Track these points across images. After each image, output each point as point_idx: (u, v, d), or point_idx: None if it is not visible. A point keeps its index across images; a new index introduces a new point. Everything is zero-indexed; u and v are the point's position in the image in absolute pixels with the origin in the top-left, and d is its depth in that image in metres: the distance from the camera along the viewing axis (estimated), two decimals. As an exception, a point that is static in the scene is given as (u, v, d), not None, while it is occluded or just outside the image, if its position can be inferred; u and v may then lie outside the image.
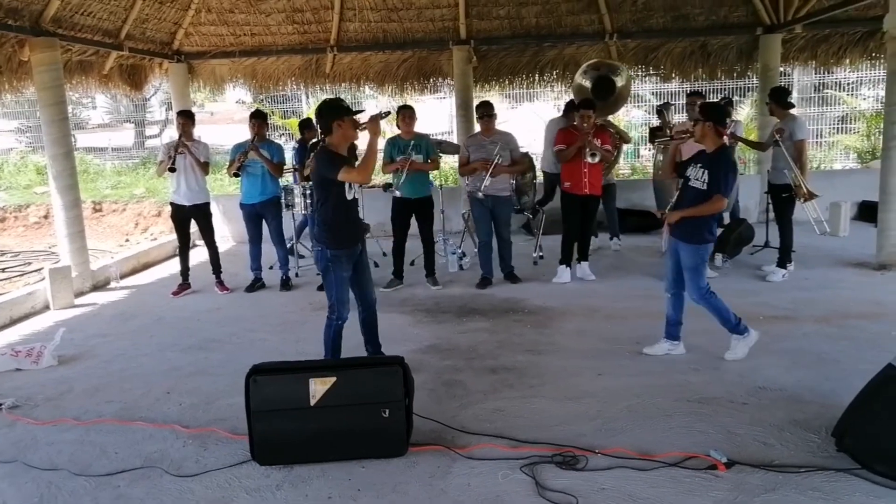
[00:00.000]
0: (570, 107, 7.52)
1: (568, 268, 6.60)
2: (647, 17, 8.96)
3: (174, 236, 7.12)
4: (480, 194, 6.26)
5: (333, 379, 3.20)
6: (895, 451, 2.85)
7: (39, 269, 8.50)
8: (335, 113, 4.04)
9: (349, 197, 4.11)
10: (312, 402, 3.18)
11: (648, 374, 4.20)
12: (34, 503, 3.03)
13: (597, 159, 6.23)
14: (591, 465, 3.12)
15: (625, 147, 8.80)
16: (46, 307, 6.40)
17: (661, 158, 7.48)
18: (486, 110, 6.34)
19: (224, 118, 21.43)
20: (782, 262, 6.40)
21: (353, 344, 4.39)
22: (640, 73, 9.80)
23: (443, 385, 4.17)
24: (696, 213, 4.27)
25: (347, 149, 4.28)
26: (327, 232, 4.06)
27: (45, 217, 11.14)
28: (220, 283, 6.78)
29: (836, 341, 4.67)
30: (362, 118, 4.33)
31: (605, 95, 7.20)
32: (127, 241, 10.42)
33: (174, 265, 8.02)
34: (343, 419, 3.20)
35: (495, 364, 4.50)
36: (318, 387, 3.19)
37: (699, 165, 4.31)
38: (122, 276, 7.50)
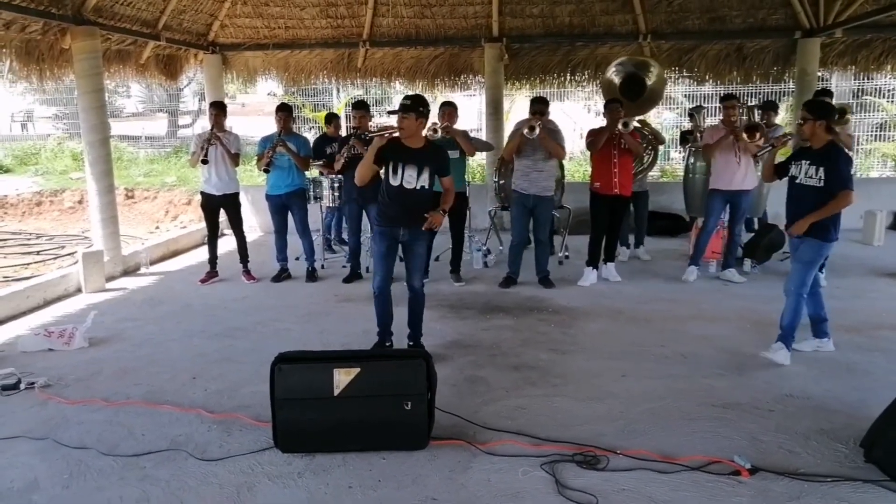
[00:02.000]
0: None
1: (594, 269, 6.55)
2: (683, 18, 8.84)
3: (203, 225, 7.24)
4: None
5: (357, 370, 3.22)
6: (925, 465, 2.80)
7: (73, 253, 8.69)
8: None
9: (393, 183, 4.35)
10: (336, 392, 3.21)
11: (672, 378, 4.16)
12: (64, 479, 3.10)
13: (630, 128, 6.13)
14: (612, 465, 3.11)
15: (661, 148, 8.66)
16: (79, 290, 6.53)
17: (693, 161, 7.40)
18: (541, 107, 6.12)
19: (255, 110, 21.68)
20: None
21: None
22: (673, 75, 9.67)
23: (465, 381, 4.17)
24: (826, 214, 4.21)
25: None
26: (377, 206, 4.59)
27: (80, 202, 11.39)
28: (248, 273, 6.86)
29: (867, 352, 4.59)
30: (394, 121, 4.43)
31: (635, 95, 7.13)
32: (157, 228, 10.61)
33: (202, 253, 8.15)
34: (365, 410, 3.22)
35: (518, 362, 4.49)
36: (342, 377, 3.21)
37: (808, 163, 4.27)
38: (152, 263, 7.63)
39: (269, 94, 15.86)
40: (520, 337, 5.01)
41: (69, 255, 8.73)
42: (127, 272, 7.27)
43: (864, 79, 11.06)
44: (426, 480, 3.03)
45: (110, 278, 6.90)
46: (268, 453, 3.28)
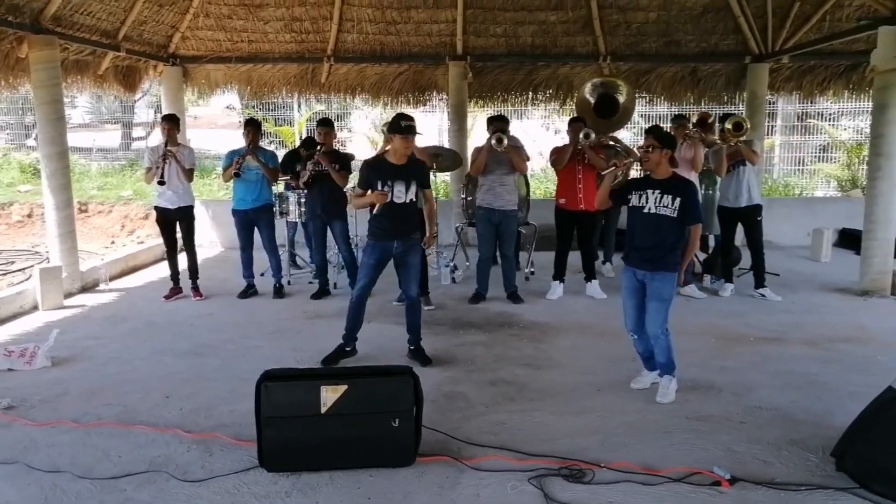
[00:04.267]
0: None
1: (561, 283, 6.68)
2: (641, 41, 9.16)
3: (160, 240, 7.08)
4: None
5: (345, 387, 3.21)
6: (892, 472, 2.95)
7: (23, 269, 8.37)
8: (398, 128, 4.55)
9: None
10: (323, 409, 3.19)
11: (646, 392, 4.27)
12: (39, 504, 3.00)
13: (591, 138, 6.28)
14: (598, 478, 3.17)
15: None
16: (35, 307, 6.30)
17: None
18: (501, 124, 6.28)
19: (207, 122, 21.32)
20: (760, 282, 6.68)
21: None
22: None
23: (443, 397, 4.20)
24: (693, 251, 4.32)
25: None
26: (369, 221, 4.78)
27: (29, 216, 10.97)
28: (196, 289, 6.71)
29: (824, 364, 4.80)
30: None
31: (608, 114, 7.35)
32: (113, 242, 10.31)
33: (162, 269, 7.96)
34: (353, 427, 3.21)
35: (494, 377, 4.54)
36: (330, 394, 3.20)
37: (658, 192, 4.09)
38: (111, 279, 7.42)
39: (227, 107, 15.63)
40: (493, 353, 5.06)
41: (19, 270, 8.40)
42: (85, 289, 7.05)
43: (808, 103, 11.61)
44: (416, 497, 3.04)
45: (68, 295, 6.68)
46: (253, 473, 3.23)
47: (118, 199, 11.33)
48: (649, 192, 4.10)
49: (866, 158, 11.91)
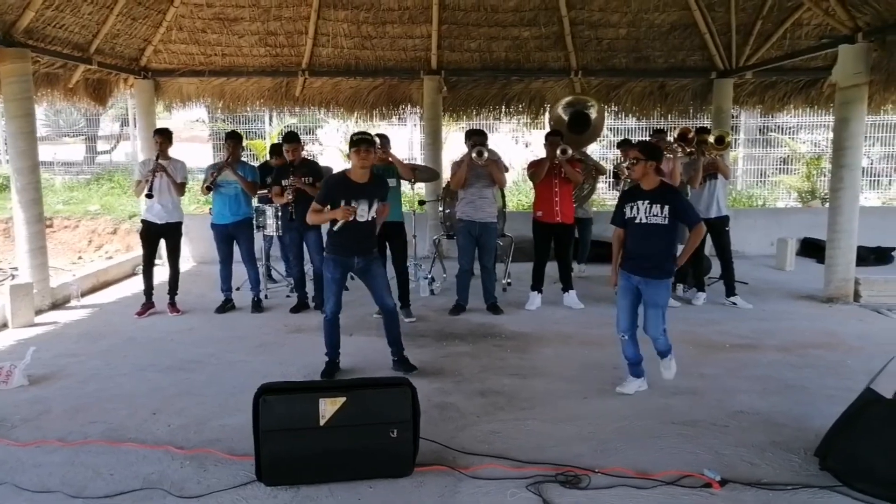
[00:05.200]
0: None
1: (539, 294, 6.79)
2: (611, 56, 9.38)
3: (131, 255, 6.99)
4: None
5: (343, 399, 3.23)
6: (873, 470, 3.08)
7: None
8: (351, 143, 4.62)
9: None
10: (322, 422, 3.20)
11: (632, 398, 4.37)
12: (32, 526, 2.94)
13: (568, 154, 6.41)
14: (594, 483, 3.24)
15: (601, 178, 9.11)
16: (4, 325, 6.14)
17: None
18: (479, 138, 6.39)
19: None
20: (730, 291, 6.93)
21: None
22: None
23: (434, 407, 4.22)
24: (693, 249, 4.49)
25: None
26: (328, 235, 4.76)
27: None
28: (173, 305, 6.62)
29: (798, 369, 4.97)
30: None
31: (581, 129, 7.52)
32: (80, 258, 10.09)
33: (134, 284, 7.85)
34: (351, 439, 3.22)
35: (483, 387, 4.59)
36: (328, 407, 3.21)
37: (648, 202, 4.29)
38: (82, 295, 7.27)
39: (197, 119, 15.45)
40: (479, 363, 5.11)
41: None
42: (56, 305, 6.90)
43: (769, 117, 12.01)
44: (417, 507, 3.07)
45: (38, 312, 6.54)
46: (251, 487, 3.22)
47: (85, 214, 11.10)
48: (639, 202, 4.29)
49: (825, 170, 12.41)
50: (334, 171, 6.07)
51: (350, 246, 4.67)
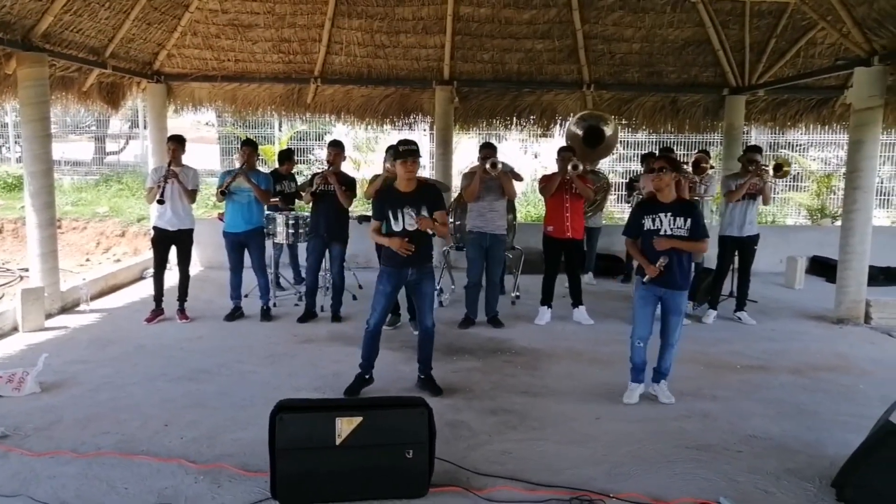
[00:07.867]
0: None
1: (549, 308, 6.78)
2: (623, 70, 9.39)
3: (139, 258, 6.99)
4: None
5: (360, 419, 3.22)
6: None
7: (-2, 287, 8.17)
8: (396, 154, 4.61)
9: (396, 229, 4.60)
10: (338, 441, 3.19)
11: (644, 421, 4.35)
12: (47, 540, 2.93)
13: (579, 169, 6.46)
14: (609, 509, 3.23)
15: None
16: (15, 329, 6.15)
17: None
18: (489, 151, 6.41)
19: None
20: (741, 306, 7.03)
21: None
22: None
23: (446, 425, 4.20)
24: (690, 248, 4.57)
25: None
26: (383, 249, 4.75)
27: (-1, 231, 10.71)
28: (182, 311, 6.63)
29: (811, 393, 4.95)
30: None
31: (593, 143, 7.54)
32: (88, 260, 10.10)
33: (143, 288, 7.87)
34: (367, 459, 3.22)
35: (494, 405, 4.58)
36: (345, 426, 3.21)
37: (670, 214, 4.52)
38: (91, 298, 7.27)
39: (206, 123, 15.49)
40: (490, 380, 5.10)
41: (-7, 288, 8.20)
42: (65, 309, 6.90)
43: (779, 134, 12.00)
44: (432, 529, 3.06)
45: (48, 316, 6.53)
46: (265, 505, 3.21)
47: (93, 216, 11.12)
48: (661, 215, 4.43)
49: (836, 189, 12.38)
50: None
51: (405, 258, 4.58)
